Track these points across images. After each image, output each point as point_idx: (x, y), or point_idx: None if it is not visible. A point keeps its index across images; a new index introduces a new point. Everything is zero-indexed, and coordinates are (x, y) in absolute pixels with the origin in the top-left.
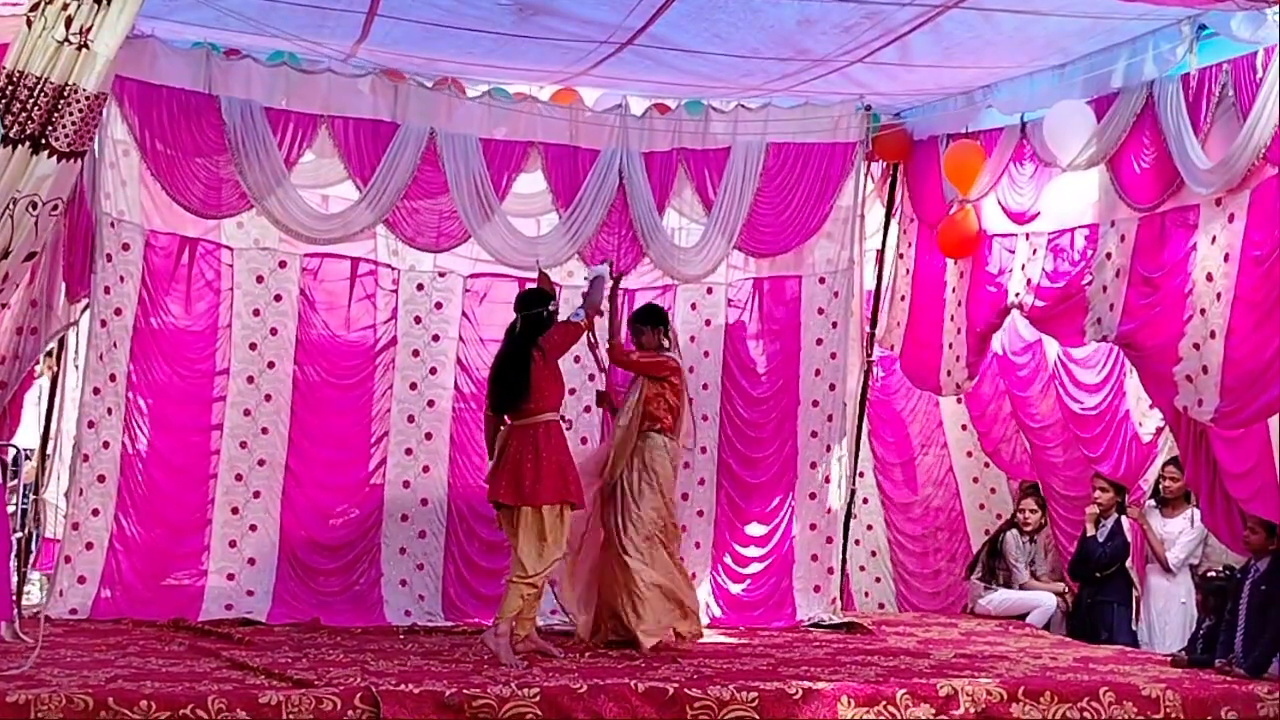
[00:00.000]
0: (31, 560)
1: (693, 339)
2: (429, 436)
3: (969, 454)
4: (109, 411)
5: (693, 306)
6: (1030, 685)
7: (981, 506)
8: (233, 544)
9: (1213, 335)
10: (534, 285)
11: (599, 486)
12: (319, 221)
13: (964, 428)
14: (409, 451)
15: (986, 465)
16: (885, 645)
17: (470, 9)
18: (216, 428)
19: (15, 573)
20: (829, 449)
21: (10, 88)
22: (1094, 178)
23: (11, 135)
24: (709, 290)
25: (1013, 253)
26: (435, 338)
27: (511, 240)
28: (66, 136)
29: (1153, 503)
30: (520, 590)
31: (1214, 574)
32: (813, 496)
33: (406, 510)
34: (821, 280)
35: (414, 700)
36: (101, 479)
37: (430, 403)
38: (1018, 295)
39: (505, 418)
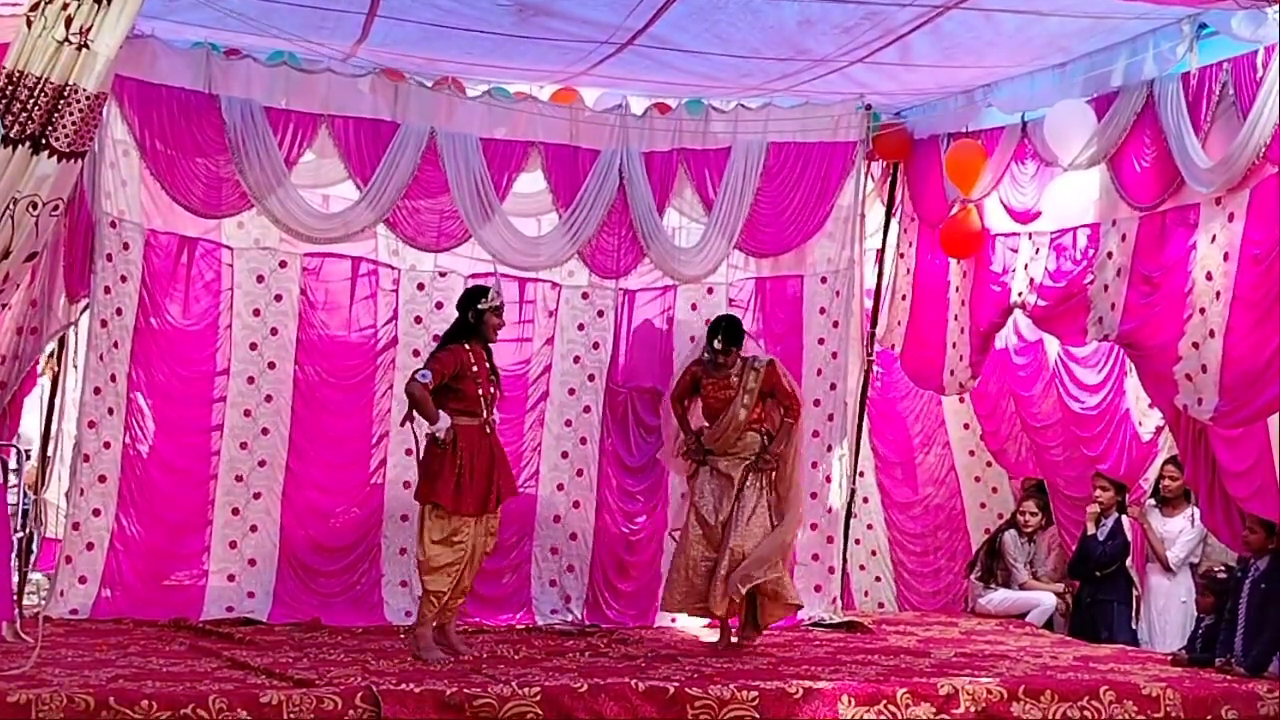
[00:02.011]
0: (32, 560)
1: (693, 339)
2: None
3: (971, 453)
4: (110, 411)
5: (693, 306)
6: (1031, 684)
7: (983, 505)
8: (233, 545)
9: (1212, 334)
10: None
11: None
12: (319, 221)
13: (966, 426)
14: (410, 452)
15: (989, 464)
16: (885, 644)
17: (470, 9)
18: (217, 428)
19: (16, 573)
20: (830, 448)
21: (10, 88)
22: (1095, 177)
23: (12, 135)
24: (709, 290)
25: (1016, 252)
26: (436, 338)
27: (512, 240)
28: (67, 136)
29: (1152, 502)
30: (427, 597)
31: (1219, 572)
32: (814, 496)
33: (407, 510)
34: (823, 280)
35: (415, 699)
36: (102, 479)
37: None
38: (1021, 294)
39: None
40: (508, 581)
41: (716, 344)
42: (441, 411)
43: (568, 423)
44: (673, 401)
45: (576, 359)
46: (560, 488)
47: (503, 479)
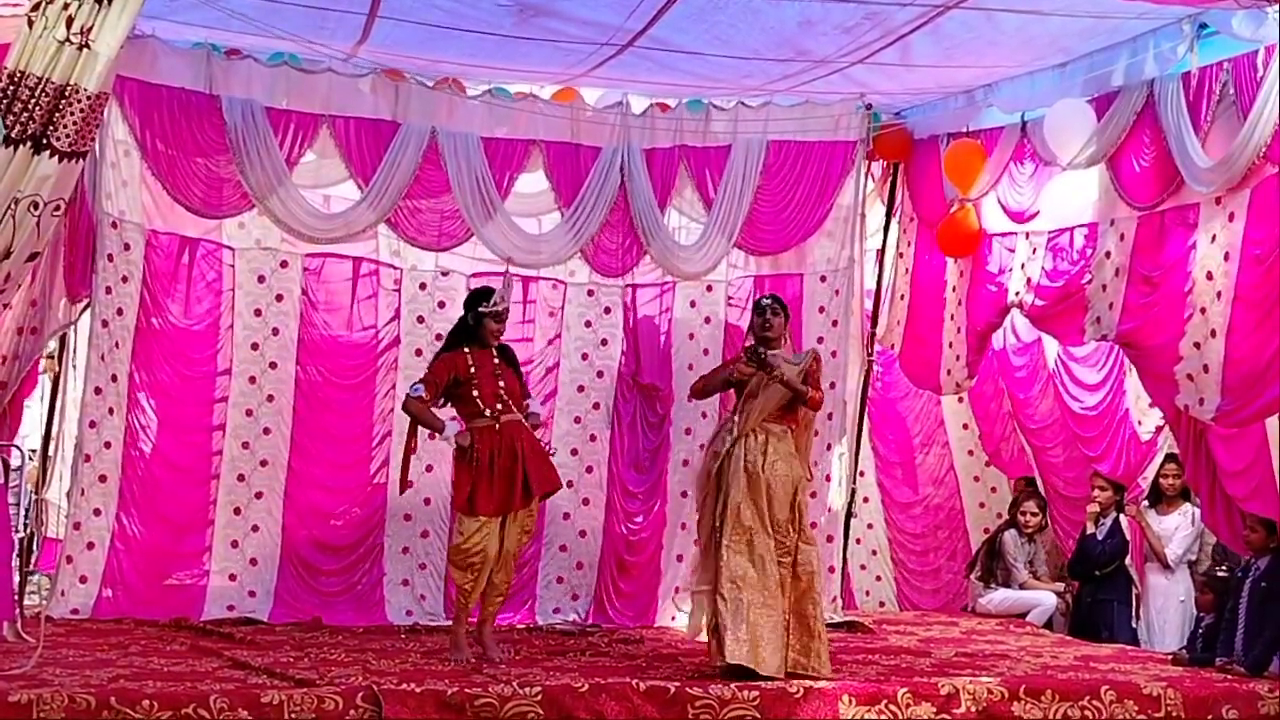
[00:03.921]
0: (33, 560)
1: (692, 336)
2: (432, 436)
3: (970, 453)
4: (110, 411)
5: (692, 304)
6: (1031, 684)
7: (982, 505)
8: (235, 544)
9: (1213, 334)
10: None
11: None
12: (321, 221)
13: (965, 426)
14: (414, 450)
15: (988, 464)
16: (886, 644)
17: (471, 10)
18: (218, 428)
19: (17, 572)
20: (829, 447)
21: (11, 88)
22: (1094, 176)
23: (13, 135)
24: (709, 288)
25: (1013, 251)
26: (438, 337)
27: (514, 239)
28: (68, 137)
29: (1146, 502)
30: (457, 594)
31: (1220, 570)
32: (814, 495)
33: (409, 510)
34: (822, 279)
35: (416, 699)
36: (103, 479)
37: None
38: (1018, 294)
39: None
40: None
41: (765, 302)
42: (452, 420)
43: (576, 419)
44: (695, 390)
45: (585, 356)
46: (569, 484)
47: (533, 475)
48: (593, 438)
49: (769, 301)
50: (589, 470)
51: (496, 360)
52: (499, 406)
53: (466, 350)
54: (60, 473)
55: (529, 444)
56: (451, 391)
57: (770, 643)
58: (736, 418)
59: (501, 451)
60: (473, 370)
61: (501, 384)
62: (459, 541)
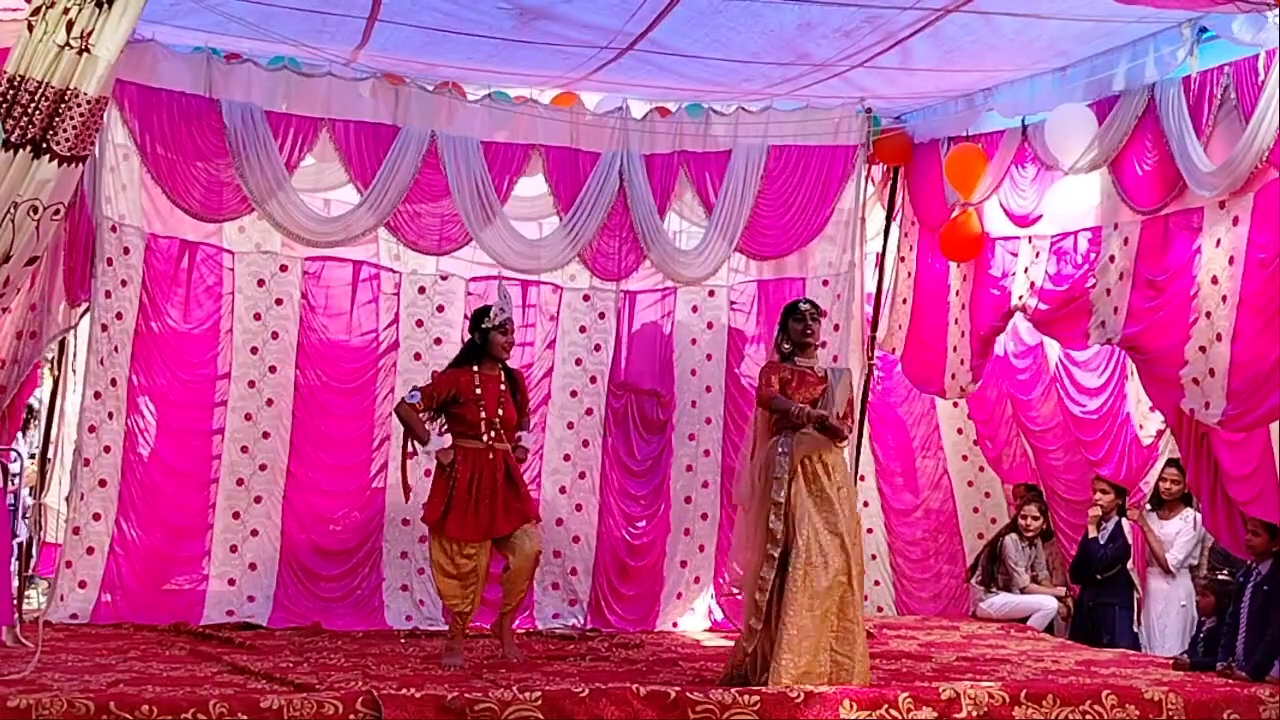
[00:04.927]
0: (32, 565)
1: (694, 341)
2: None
3: (964, 457)
4: (110, 416)
5: (693, 309)
6: (1032, 688)
7: (975, 510)
8: (234, 549)
9: (1219, 338)
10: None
11: None
12: (320, 225)
13: (959, 431)
14: (411, 455)
15: (981, 469)
16: (887, 648)
17: (470, 13)
18: (218, 432)
19: (16, 577)
20: None
21: (11, 92)
22: (1096, 181)
23: (13, 140)
24: (710, 293)
25: (1015, 255)
26: (438, 341)
27: (513, 243)
28: (68, 141)
29: (1149, 506)
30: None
31: (1223, 575)
32: None
33: (408, 514)
34: (824, 283)
35: (415, 704)
36: (102, 483)
37: None
38: (1021, 298)
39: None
40: None
41: (804, 307)
42: (440, 435)
43: (570, 425)
44: (766, 400)
45: (578, 361)
46: (563, 490)
47: (514, 505)
48: (585, 443)
49: (807, 306)
50: (582, 476)
51: (504, 387)
52: (493, 434)
53: (475, 369)
54: (59, 477)
55: (513, 473)
56: (449, 408)
57: (825, 654)
58: (793, 446)
59: (483, 478)
60: (478, 391)
61: (501, 412)
62: (450, 555)
